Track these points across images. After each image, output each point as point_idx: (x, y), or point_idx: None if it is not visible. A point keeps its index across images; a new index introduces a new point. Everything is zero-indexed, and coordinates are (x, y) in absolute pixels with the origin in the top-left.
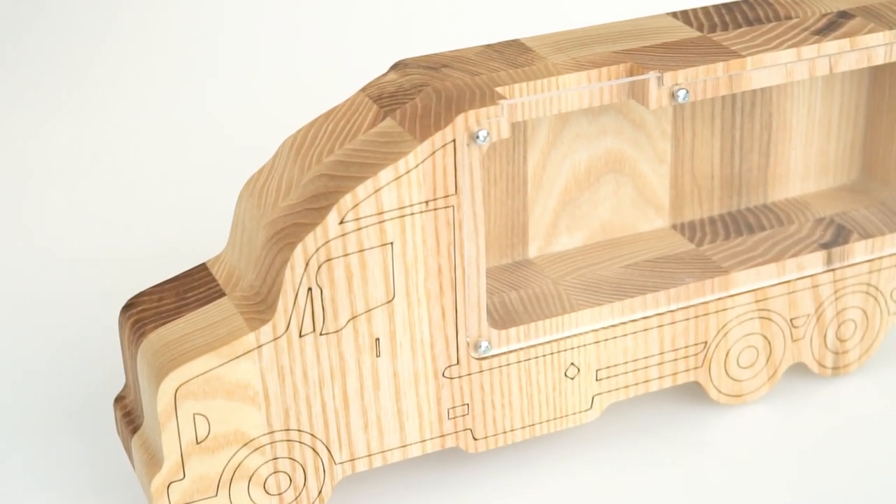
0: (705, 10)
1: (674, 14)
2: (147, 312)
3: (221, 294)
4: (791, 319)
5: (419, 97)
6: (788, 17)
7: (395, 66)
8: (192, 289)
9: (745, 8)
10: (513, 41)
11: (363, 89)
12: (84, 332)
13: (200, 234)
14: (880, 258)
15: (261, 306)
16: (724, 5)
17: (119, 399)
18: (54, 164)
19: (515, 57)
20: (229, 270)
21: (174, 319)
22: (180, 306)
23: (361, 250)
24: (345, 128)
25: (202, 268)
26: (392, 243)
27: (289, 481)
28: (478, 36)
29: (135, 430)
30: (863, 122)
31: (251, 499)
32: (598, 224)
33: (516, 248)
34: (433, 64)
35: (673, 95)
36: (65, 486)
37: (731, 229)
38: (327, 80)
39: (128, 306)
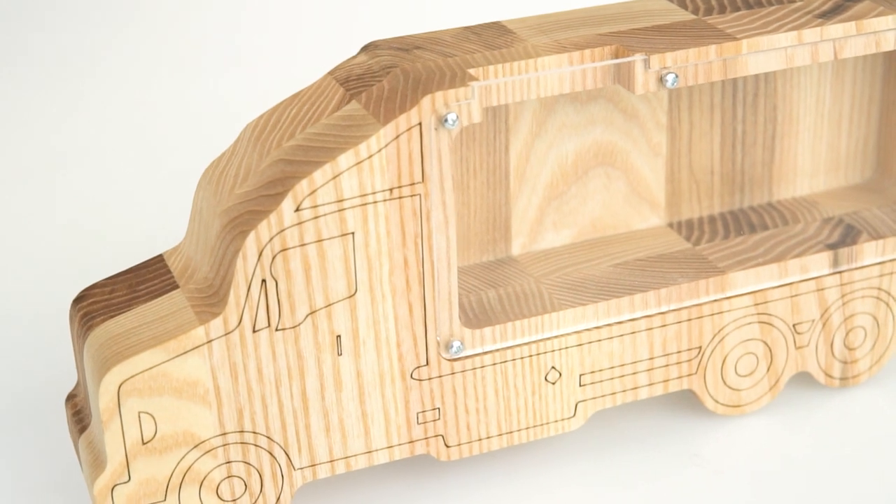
0: None
1: None
2: (97, 305)
3: (175, 286)
4: (794, 325)
5: (387, 79)
6: (792, 1)
7: (365, 48)
8: (144, 281)
9: None
10: (493, 23)
11: (331, 72)
12: (43, 327)
13: (169, 225)
14: (892, 261)
15: (213, 299)
16: None
17: (70, 397)
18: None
19: (494, 39)
20: (185, 262)
21: (123, 312)
22: (131, 299)
23: (320, 240)
24: (308, 111)
25: (158, 259)
26: (353, 233)
27: (244, 487)
28: (465, 21)
29: (83, 430)
30: (877, 116)
31: None
32: (588, 221)
33: (498, 244)
34: (405, 45)
35: (661, 80)
36: (14, 488)
37: (731, 228)
38: (303, 67)
39: (78, 298)
